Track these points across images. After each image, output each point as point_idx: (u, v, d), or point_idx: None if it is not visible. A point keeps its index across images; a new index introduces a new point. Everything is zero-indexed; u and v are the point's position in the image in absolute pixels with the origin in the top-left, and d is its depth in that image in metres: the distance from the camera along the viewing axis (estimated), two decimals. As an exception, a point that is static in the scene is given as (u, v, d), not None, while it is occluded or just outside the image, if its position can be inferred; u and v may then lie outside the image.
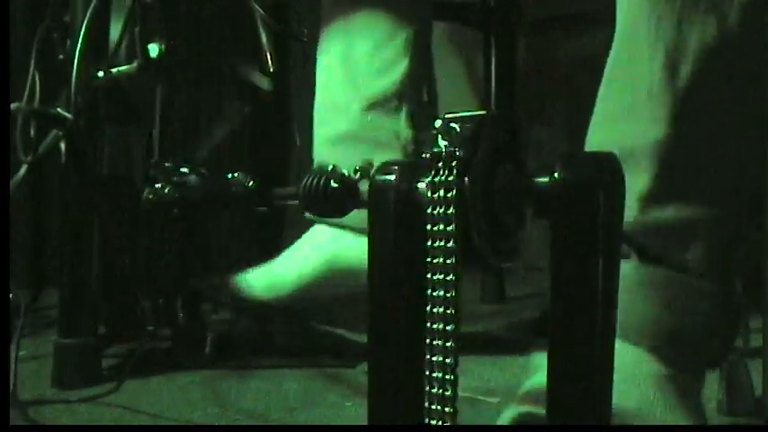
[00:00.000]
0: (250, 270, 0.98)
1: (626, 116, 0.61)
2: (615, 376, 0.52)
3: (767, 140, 0.61)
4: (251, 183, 0.70)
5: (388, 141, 1.00)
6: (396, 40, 1.02)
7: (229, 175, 0.71)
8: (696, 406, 0.60)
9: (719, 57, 0.58)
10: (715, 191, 0.60)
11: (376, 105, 1.01)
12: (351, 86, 1.02)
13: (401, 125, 1.02)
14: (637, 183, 0.59)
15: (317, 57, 1.07)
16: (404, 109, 1.02)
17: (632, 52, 0.61)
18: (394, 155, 1.01)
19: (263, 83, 0.98)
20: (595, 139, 0.64)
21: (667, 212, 0.59)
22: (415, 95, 1.04)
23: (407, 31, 1.03)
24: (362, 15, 1.03)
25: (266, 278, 0.98)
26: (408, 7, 1.03)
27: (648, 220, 0.59)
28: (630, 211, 0.59)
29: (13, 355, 0.75)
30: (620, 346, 0.58)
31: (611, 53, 0.63)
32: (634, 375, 0.57)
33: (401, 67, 1.02)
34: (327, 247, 0.97)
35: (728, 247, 0.61)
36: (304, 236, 1.02)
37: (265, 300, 0.96)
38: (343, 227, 0.96)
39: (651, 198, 0.59)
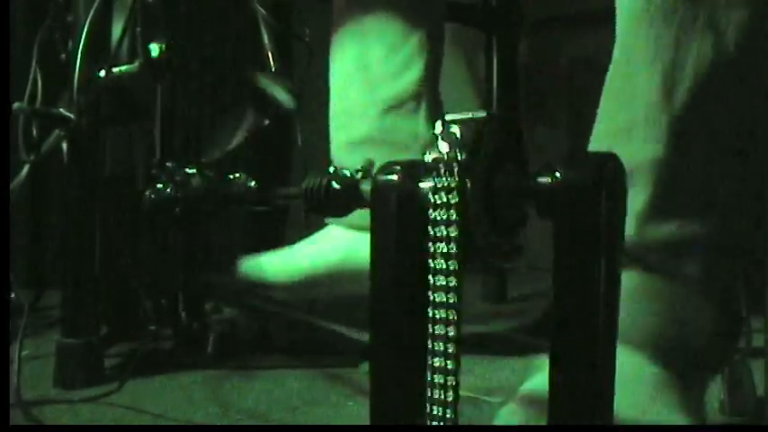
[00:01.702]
0: (262, 254, 0.99)
1: (623, 135, 0.61)
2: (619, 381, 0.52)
3: (765, 158, 0.61)
4: (253, 183, 0.70)
5: (407, 143, 1.01)
6: (410, 41, 1.02)
7: (231, 176, 0.71)
8: (696, 408, 0.60)
9: (716, 76, 0.58)
10: (712, 208, 0.60)
11: (393, 108, 1.01)
12: (367, 90, 1.02)
13: (420, 126, 1.02)
14: (634, 201, 0.59)
15: (331, 61, 1.07)
16: (421, 110, 1.03)
17: (630, 71, 0.61)
18: (414, 156, 1.01)
19: (283, 97, 0.98)
20: None
21: (665, 230, 0.59)
22: (432, 95, 1.05)
23: (421, 32, 1.03)
24: (375, 19, 1.03)
25: (279, 262, 0.98)
26: (420, 9, 1.04)
27: (645, 238, 0.60)
28: (628, 229, 0.60)
29: (16, 354, 0.75)
30: (620, 349, 0.58)
31: (610, 71, 0.63)
32: (633, 378, 0.57)
33: (417, 68, 1.02)
34: (343, 246, 0.98)
35: (728, 261, 0.61)
36: (318, 233, 1.02)
37: (276, 282, 0.97)
38: (357, 228, 0.97)
39: (649, 216, 0.59)
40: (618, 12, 0.63)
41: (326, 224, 1.02)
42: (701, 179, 0.60)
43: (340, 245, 0.98)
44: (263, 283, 0.96)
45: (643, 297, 0.60)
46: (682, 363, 0.59)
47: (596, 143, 0.64)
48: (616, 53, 0.63)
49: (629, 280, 0.60)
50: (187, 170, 0.84)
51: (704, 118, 0.59)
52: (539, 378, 0.56)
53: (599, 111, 0.64)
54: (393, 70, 1.02)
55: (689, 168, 0.59)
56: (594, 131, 0.64)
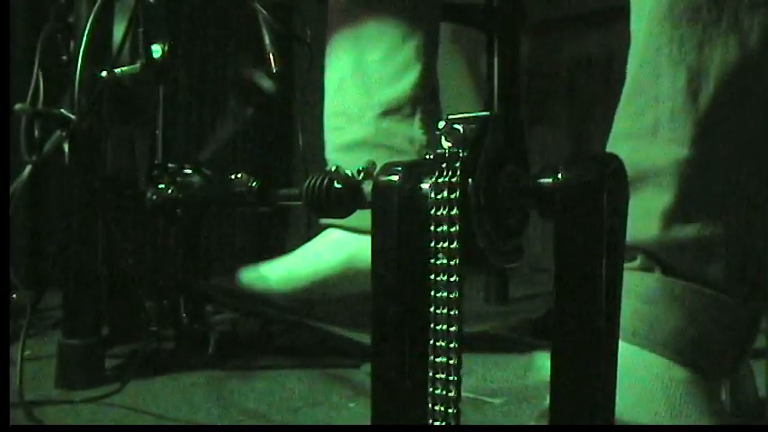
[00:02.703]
0: (262, 264, 0.99)
1: (647, 135, 0.61)
2: (643, 383, 0.52)
3: None
4: (254, 183, 0.70)
5: (402, 147, 1.01)
6: (408, 45, 1.03)
7: (233, 176, 0.71)
8: (721, 408, 0.61)
9: (741, 77, 0.58)
10: (736, 207, 0.60)
11: (390, 112, 1.02)
12: (364, 94, 1.02)
13: (415, 131, 1.03)
14: (659, 201, 0.60)
15: (327, 63, 1.07)
16: (417, 114, 1.03)
17: (653, 73, 0.61)
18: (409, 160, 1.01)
19: (268, 84, 0.98)
20: None
21: (689, 230, 0.60)
22: (428, 100, 1.05)
23: (418, 36, 1.03)
24: (372, 21, 1.03)
25: (281, 271, 0.98)
26: (418, 13, 1.04)
27: (670, 238, 0.60)
28: (653, 228, 0.61)
29: (18, 355, 0.75)
30: (646, 355, 0.59)
31: (630, 72, 0.64)
32: (661, 381, 0.58)
33: (414, 73, 1.03)
34: (344, 248, 0.98)
35: (748, 262, 0.61)
36: (317, 237, 1.02)
37: (279, 292, 0.97)
38: (357, 231, 0.97)
39: (673, 216, 0.60)
40: (636, 12, 0.63)
41: (326, 227, 1.02)
42: (726, 181, 0.60)
43: (340, 249, 0.99)
44: (266, 292, 0.97)
45: (665, 300, 0.60)
46: (704, 363, 0.60)
47: (617, 143, 0.64)
48: (636, 56, 0.63)
49: (652, 282, 0.60)
50: (188, 171, 0.84)
51: (729, 119, 0.59)
52: None
53: (618, 112, 0.64)
54: (390, 74, 1.03)
55: (714, 169, 0.60)
56: (614, 131, 0.64)
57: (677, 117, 0.59)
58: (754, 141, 0.60)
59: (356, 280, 0.97)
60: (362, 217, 1.05)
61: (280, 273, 0.98)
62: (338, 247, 0.99)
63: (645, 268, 0.61)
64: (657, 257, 0.61)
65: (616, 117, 0.64)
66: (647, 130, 0.61)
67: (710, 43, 0.58)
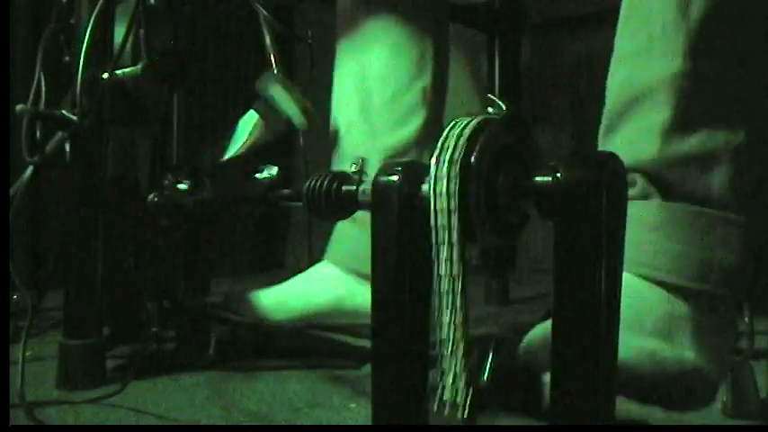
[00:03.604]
0: (256, 290, 1.00)
1: (642, 53, 0.62)
2: (645, 316, 0.53)
3: None
4: (277, 172, 0.70)
5: None
6: (414, 88, 1.02)
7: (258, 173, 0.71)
8: (720, 346, 0.61)
9: None
10: (735, 118, 0.61)
11: (395, 157, 1.01)
12: (370, 139, 1.02)
13: None
14: (657, 117, 0.61)
15: (334, 104, 1.06)
16: (424, 156, 1.03)
17: None
18: None
19: (294, 112, 0.95)
20: (615, 79, 0.65)
21: (690, 143, 0.60)
22: (435, 143, 1.04)
23: (426, 77, 1.03)
24: (378, 62, 1.02)
25: (275, 299, 0.99)
26: (426, 52, 1.03)
27: (671, 153, 0.60)
28: (653, 145, 0.61)
29: (20, 356, 0.75)
30: (650, 286, 0.59)
31: None
32: (663, 313, 0.58)
33: (420, 116, 1.02)
34: (337, 287, 0.99)
35: (752, 175, 0.61)
36: (310, 270, 1.03)
37: (271, 319, 0.98)
38: (349, 271, 0.98)
39: (673, 130, 0.60)
40: None
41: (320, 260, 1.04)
42: (723, 92, 0.60)
43: (331, 288, 1.00)
44: (260, 317, 0.98)
45: (667, 226, 0.60)
46: (715, 286, 0.60)
47: (616, 66, 0.65)
48: None
49: (652, 209, 0.60)
50: (195, 175, 0.85)
51: (721, 31, 0.60)
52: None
53: (617, 34, 0.65)
54: (396, 119, 1.02)
55: (709, 81, 0.60)
56: (614, 55, 0.65)
57: (669, 32, 0.60)
58: (747, 52, 0.61)
59: (344, 318, 0.99)
60: (352, 256, 1.05)
61: (273, 301, 0.99)
62: (328, 287, 1.00)
63: (644, 195, 0.61)
64: (657, 179, 0.61)
65: (615, 40, 0.65)
66: (642, 48, 0.62)
67: None
